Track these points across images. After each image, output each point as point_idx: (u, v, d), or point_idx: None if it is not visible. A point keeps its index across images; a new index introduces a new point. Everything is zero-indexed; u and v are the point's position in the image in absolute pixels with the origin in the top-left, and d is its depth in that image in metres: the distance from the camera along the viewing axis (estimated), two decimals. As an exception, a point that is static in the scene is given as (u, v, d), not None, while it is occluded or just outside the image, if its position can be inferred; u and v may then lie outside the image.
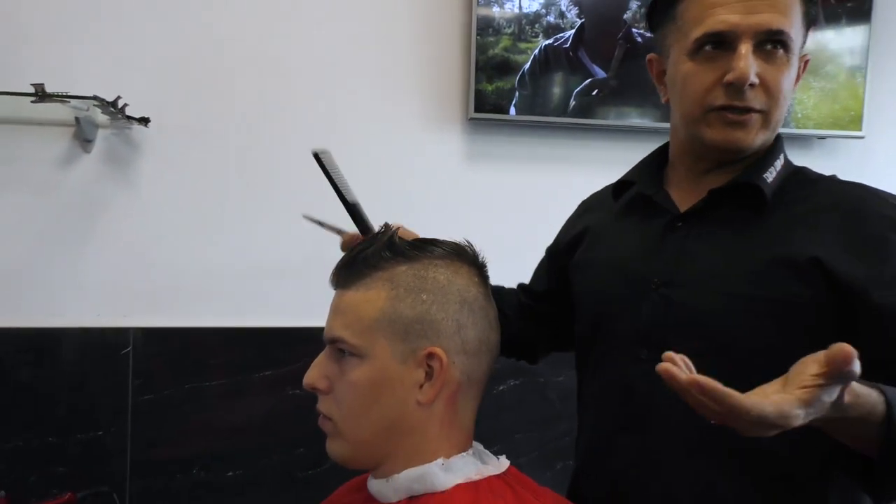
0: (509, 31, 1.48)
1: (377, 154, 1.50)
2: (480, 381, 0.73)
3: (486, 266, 0.76)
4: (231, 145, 1.45)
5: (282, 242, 1.46)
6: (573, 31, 1.50)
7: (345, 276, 0.72)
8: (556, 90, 1.51)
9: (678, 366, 0.50)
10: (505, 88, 1.49)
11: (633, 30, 1.52)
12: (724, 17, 0.70)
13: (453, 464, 0.69)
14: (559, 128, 1.56)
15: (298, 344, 1.43)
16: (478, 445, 0.75)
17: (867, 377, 0.53)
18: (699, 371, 0.51)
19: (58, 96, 1.22)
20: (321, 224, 1.02)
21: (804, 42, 0.75)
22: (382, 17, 1.49)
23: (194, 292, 1.44)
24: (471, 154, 1.55)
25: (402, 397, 0.68)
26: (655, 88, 0.84)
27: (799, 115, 1.59)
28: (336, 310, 0.71)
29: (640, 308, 0.77)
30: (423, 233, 0.78)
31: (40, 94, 1.21)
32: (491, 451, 0.75)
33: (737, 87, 0.70)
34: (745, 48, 0.70)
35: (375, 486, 0.71)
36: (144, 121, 1.37)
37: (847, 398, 0.52)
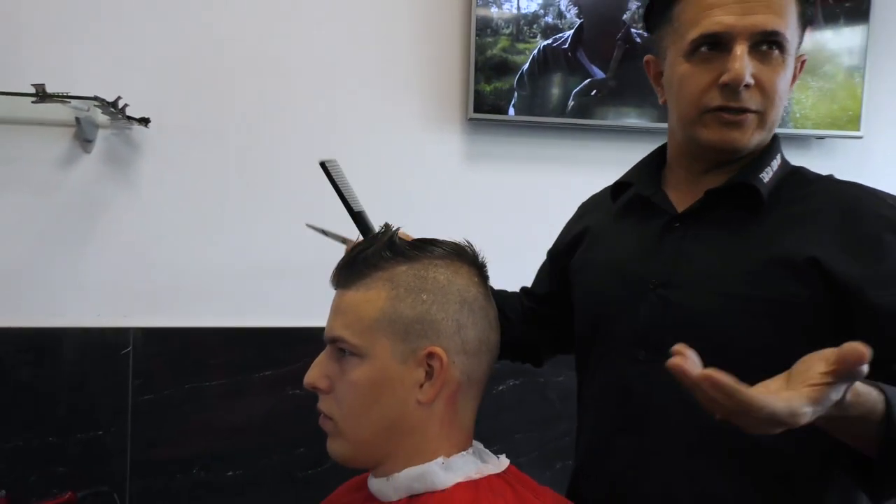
0: (507, 31, 1.48)
1: (377, 154, 1.50)
2: (480, 380, 0.73)
3: (485, 266, 0.77)
4: (231, 145, 1.45)
5: (282, 242, 1.47)
6: (572, 31, 1.50)
7: (345, 276, 0.72)
8: (555, 91, 1.52)
9: (689, 360, 0.49)
10: (503, 89, 1.49)
11: (633, 30, 1.52)
12: (720, 19, 0.70)
13: (453, 463, 0.69)
14: (558, 128, 1.56)
15: (298, 344, 1.43)
16: (478, 444, 0.75)
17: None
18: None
19: (58, 97, 1.23)
20: (325, 233, 1.03)
21: (800, 43, 0.76)
22: (382, 17, 1.49)
23: (194, 292, 1.45)
24: (470, 154, 1.55)
25: (402, 397, 0.68)
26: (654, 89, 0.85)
27: (797, 115, 1.59)
28: (336, 310, 0.72)
29: (637, 309, 0.78)
30: (423, 233, 0.78)
31: (41, 95, 1.21)
32: (491, 451, 0.76)
33: (732, 88, 0.71)
34: (741, 49, 0.70)
35: (376, 484, 0.71)
36: (145, 121, 1.37)
37: (849, 396, 0.52)
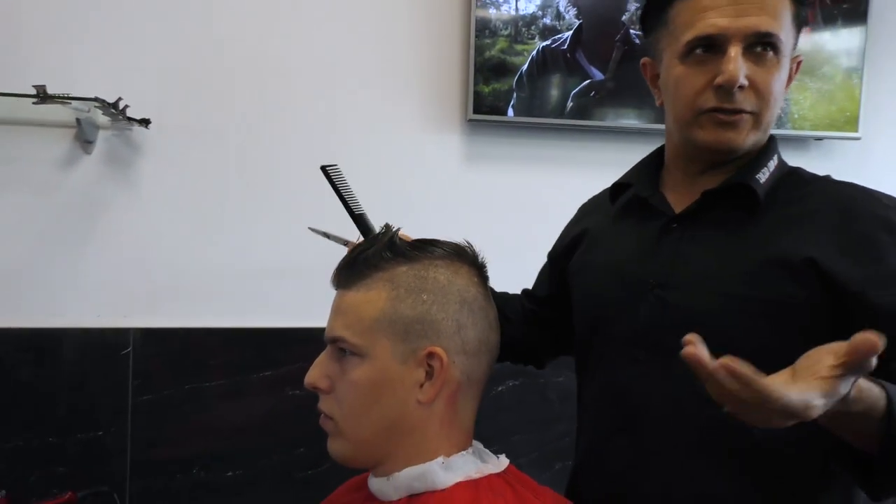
0: (506, 32, 1.49)
1: (377, 154, 1.50)
2: (480, 380, 0.74)
3: (485, 266, 0.77)
4: (231, 145, 1.46)
5: (282, 243, 1.47)
6: (570, 32, 1.51)
7: (346, 276, 0.73)
8: (554, 92, 1.52)
9: (703, 350, 0.49)
10: (502, 90, 1.49)
11: (631, 31, 1.52)
12: (714, 21, 0.71)
13: (453, 462, 0.69)
14: (557, 129, 1.56)
15: (298, 344, 1.43)
16: (478, 444, 0.76)
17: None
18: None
19: (59, 98, 1.23)
20: (327, 236, 1.03)
21: (795, 44, 0.76)
22: (382, 17, 1.50)
23: (194, 292, 1.45)
24: (470, 155, 1.55)
25: (402, 397, 0.69)
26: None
27: (795, 116, 1.60)
28: (337, 310, 0.72)
29: (636, 310, 0.78)
30: (423, 233, 0.79)
31: (42, 96, 1.21)
32: (490, 451, 0.76)
33: (726, 90, 0.71)
34: (735, 51, 0.71)
35: (376, 484, 0.72)
36: (145, 122, 1.37)
37: (853, 392, 0.52)
